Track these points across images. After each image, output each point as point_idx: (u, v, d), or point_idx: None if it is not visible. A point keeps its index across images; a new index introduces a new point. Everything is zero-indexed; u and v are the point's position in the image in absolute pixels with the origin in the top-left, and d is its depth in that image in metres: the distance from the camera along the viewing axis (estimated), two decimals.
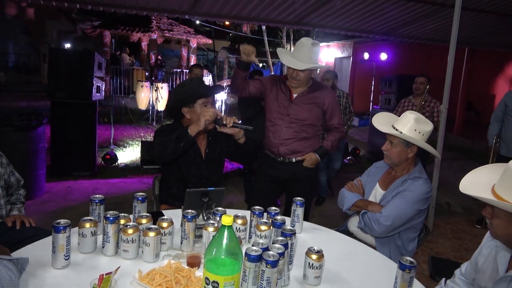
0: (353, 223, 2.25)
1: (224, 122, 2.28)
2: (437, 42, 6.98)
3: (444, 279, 1.70)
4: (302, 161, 2.72)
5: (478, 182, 1.36)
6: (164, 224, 1.61)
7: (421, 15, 5.56)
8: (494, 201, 1.24)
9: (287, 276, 1.45)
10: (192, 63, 13.23)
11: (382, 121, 2.12)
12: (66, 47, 16.24)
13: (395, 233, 2.09)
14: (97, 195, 1.74)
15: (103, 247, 1.55)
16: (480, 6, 5.08)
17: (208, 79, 12.24)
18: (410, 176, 2.09)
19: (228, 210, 1.82)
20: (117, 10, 5.11)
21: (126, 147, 7.17)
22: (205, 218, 1.75)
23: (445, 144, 3.92)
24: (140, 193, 1.87)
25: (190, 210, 1.66)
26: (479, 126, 9.23)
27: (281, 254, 1.33)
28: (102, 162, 5.78)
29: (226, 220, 1.09)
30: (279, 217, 1.70)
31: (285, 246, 1.39)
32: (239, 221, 1.70)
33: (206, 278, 1.08)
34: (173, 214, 1.77)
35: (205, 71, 10.69)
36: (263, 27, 12.44)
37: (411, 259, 1.38)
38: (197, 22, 14.95)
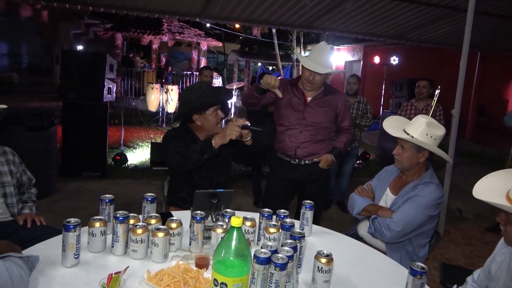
0: (363, 228, 2.23)
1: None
2: (449, 46, 6.91)
3: (455, 285, 1.68)
4: (317, 162, 2.75)
5: (492, 188, 1.33)
6: (173, 225, 1.61)
7: (432, 19, 5.51)
8: (509, 207, 1.22)
9: (296, 279, 1.44)
10: (202, 66, 13.30)
11: (393, 125, 2.10)
12: (78, 49, 16.45)
13: (405, 239, 2.06)
14: (107, 195, 1.75)
15: (112, 246, 1.56)
16: (493, 10, 5.02)
17: (218, 82, 12.28)
18: (421, 181, 2.06)
19: (236, 213, 1.82)
20: (129, 12, 5.17)
21: (136, 148, 7.22)
22: (214, 219, 1.75)
23: (456, 149, 3.86)
24: (150, 194, 1.87)
25: (199, 211, 1.66)
26: (491, 130, 9.11)
27: (290, 257, 1.32)
28: (112, 163, 5.83)
29: (236, 221, 1.08)
30: (288, 220, 1.69)
31: (294, 249, 1.38)
32: (248, 223, 1.69)
33: (215, 280, 1.07)
34: (182, 215, 1.77)
35: (215, 74, 10.74)
36: (273, 30, 12.44)
37: (422, 265, 1.36)
38: (208, 25, 15.06)
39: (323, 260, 1.42)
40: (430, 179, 2.05)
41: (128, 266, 1.31)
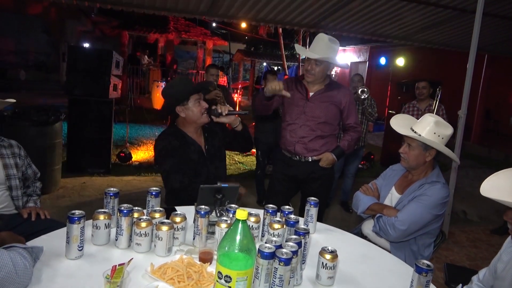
0: (368, 226, 2.21)
1: (220, 111, 2.28)
2: (456, 48, 6.87)
3: (461, 285, 1.66)
4: (318, 161, 2.72)
5: (500, 186, 1.32)
6: (177, 219, 1.61)
7: (440, 20, 5.48)
8: None
9: (300, 275, 1.43)
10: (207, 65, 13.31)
11: (400, 123, 2.08)
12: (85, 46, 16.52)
13: (410, 238, 2.04)
14: (112, 188, 1.75)
15: (116, 239, 1.56)
16: (501, 12, 4.99)
17: (223, 81, 12.28)
18: (427, 180, 2.04)
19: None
20: (136, 10, 5.17)
21: (140, 145, 7.23)
22: (218, 214, 1.75)
23: (462, 152, 3.84)
24: (154, 188, 1.87)
25: (203, 206, 1.65)
26: (497, 135, 9.04)
27: (295, 252, 1.31)
28: (117, 160, 5.84)
29: (241, 214, 1.07)
30: (292, 216, 1.68)
31: (299, 244, 1.37)
32: (252, 219, 1.69)
33: (219, 272, 1.06)
34: (186, 211, 1.77)
35: (220, 73, 10.73)
36: (279, 30, 12.43)
37: (428, 262, 1.34)
38: (214, 24, 15.07)
39: (328, 257, 1.41)
40: (436, 178, 2.03)
41: (132, 258, 1.31)
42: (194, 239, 1.65)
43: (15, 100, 2.31)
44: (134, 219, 1.55)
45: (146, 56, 14.02)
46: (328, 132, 2.72)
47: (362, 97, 4.49)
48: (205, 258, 1.48)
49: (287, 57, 14.69)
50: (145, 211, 1.71)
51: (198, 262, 1.45)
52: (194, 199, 1.77)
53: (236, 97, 9.49)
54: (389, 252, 2.00)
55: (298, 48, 2.76)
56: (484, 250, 3.97)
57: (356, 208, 2.23)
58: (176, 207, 2.00)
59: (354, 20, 5.65)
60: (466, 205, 5.08)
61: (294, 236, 1.44)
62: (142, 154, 6.64)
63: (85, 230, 1.45)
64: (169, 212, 1.68)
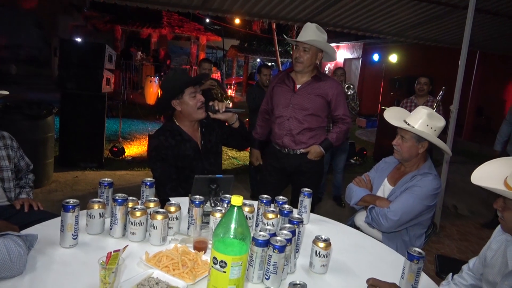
0: (360, 218, 2.23)
1: (217, 108, 2.28)
2: (448, 45, 6.93)
3: (451, 274, 1.69)
4: (307, 154, 2.73)
5: (490, 174, 1.34)
6: (172, 209, 1.61)
7: (433, 17, 5.53)
8: (506, 191, 1.23)
9: (294, 263, 1.44)
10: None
11: (394, 116, 2.10)
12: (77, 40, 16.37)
13: (402, 229, 2.07)
14: (106, 179, 1.75)
15: (110, 228, 1.56)
16: (494, 8, 5.04)
17: (216, 77, 12.26)
18: (419, 171, 2.07)
19: None
20: (130, 3, 5.14)
21: (133, 140, 7.21)
22: (213, 205, 1.75)
23: (454, 149, 3.88)
24: (149, 179, 1.87)
25: (198, 196, 1.66)
26: (489, 132, 9.14)
27: (289, 240, 1.32)
28: (110, 154, 5.81)
29: (236, 200, 1.08)
30: (286, 206, 1.70)
31: (293, 233, 1.38)
32: (247, 209, 1.69)
33: (214, 258, 1.07)
34: (180, 202, 1.77)
35: (214, 68, 10.71)
36: (273, 26, 12.43)
37: (420, 250, 1.37)
38: (207, 20, 15.00)
39: (321, 245, 1.42)
40: (428, 170, 2.06)
41: (128, 245, 1.31)
42: (188, 228, 1.65)
43: (8, 92, 2.29)
44: (129, 209, 1.55)
45: (139, 52, 13.94)
46: (316, 124, 2.73)
47: (349, 93, 4.62)
48: (200, 247, 1.49)
49: (281, 53, 14.69)
50: (139, 201, 1.71)
51: (193, 251, 1.46)
52: (187, 193, 1.77)
53: (230, 92, 9.48)
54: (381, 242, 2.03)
55: (288, 38, 2.81)
56: (475, 243, 4.03)
57: (349, 200, 2.25)
58: (170, 198, 2.01)
59: (348, 16, 5.67)
60: (457, 200, 5.15)
61: (288, 225, 1.46)
62: (135, 149, 6.62)
63: (80, 219, 1.45)
64: (163, 203, 1.69)
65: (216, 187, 1.77)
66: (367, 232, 2.15)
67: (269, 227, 1.46)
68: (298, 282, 1.14)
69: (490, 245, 1.50)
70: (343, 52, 15.38)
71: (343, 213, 4.55)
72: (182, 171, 2.36)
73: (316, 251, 1.43)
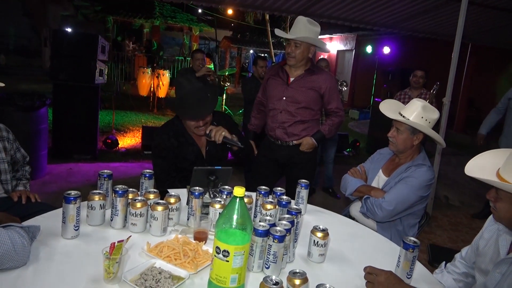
0: (355, 208, 2.28)
1: (213, 139, 2.19)
2: (442, 37, 6.97)
3: (444, 262, 1.74)
4: (299, 145, 2.77)
5: (483, 166, 1.38)
6: (172, 200, 1.63)
7: (427, 9, 5.54)
8: (498, 183, 1.27)
9: (292, 253, 1.48)
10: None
11: (389, 108, 2.13)
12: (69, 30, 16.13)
13: (396, 219, 2.12)
14: (105, 170, 1.76)
15: (111, 220, 1.57)
16: (486, 1, 5.07)
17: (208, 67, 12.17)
18: (414, 163, 2.11)
19: None
20: None
21: (127, 132, 7.18)
22: (212, 196, 1.78)
23: (446, 140, 3.93)
24: (148, 170, 1.89)
25: (197, 187, 1.68)
26: (480, 123, 9.25)
27: (288, 230, 1.35)
28: (103, 146, 5.79)
29: (238, 191, 1.10)
30: (284, 197, 1.72)
31: (292, 223, 1.41)
32: (245, 200, 1.71)
33: (217, 247, 1.10)
34: (179, 193, 1.79)
35: (206, 59, 10.63)
36: (267, 17, 12.37)
37: (415, 239, 1.41)
38: (200, 10, 14.86)
39: (319, 234, 1.46)
40: (422, 161, 2.10)
41: (131, 236, 1.33)
42: (188, 219, 1.68)
43: (4, 84, 2.27)
44: (129, 200, 1.57)
45: (131, 43, 13.77)
46: (309, 117, 2.75)
47: (343, 89, 4.70)
48: (200, 237, 1.51)
49: (274, 45, 14.63)
50: (139, 192, 1.73)
51: (193, 241, 1.48)
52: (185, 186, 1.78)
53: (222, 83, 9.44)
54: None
55: (278, 32, 2.79)
56: (465, 233, 4.12)
57: (344, 190, 2.29)
58: (169, 190, 2.02)
59: (342, 7, 5.66)
60: (449, 191, 5.24)
61: (287, 216, 1.49)
62: (129, 140, 6.60)
63: (81, 210, 1.47)
64: (162, 194, 1.71)
65: (215, 178, 1.80)
66: (362, 222, 2.19)
67: (268, 218, 1.49)
68: (297, 271, 1.17)
69: (482, 235, 1.55)
70: (336, 44, 15.37)
71: (336, 204, 4.60)
72: (182, 171, 2.37)
73: (314, 241, 1.47)
